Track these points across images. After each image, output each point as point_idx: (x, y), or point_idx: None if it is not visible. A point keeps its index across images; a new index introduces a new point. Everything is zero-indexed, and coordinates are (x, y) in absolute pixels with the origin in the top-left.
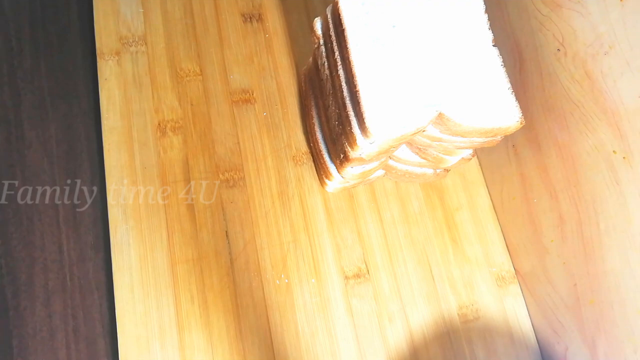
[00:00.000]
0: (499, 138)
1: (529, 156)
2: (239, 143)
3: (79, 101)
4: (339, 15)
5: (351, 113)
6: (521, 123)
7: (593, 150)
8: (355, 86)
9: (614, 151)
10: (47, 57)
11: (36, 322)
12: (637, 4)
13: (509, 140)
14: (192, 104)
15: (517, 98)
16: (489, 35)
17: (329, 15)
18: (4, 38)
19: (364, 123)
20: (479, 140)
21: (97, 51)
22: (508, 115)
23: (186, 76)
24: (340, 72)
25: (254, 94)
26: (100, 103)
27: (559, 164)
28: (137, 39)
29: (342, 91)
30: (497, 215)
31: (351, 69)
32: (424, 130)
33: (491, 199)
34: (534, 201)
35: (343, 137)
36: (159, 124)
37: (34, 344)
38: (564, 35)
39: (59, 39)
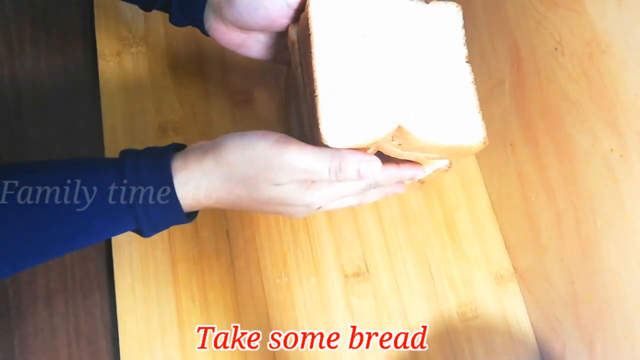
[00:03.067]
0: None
1: (527, 155)
2: None
3: (79, 102)
4: (308, 19)
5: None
6: (484, 143)
7: (590, 149)
8: (314, 91)
9: (611, 149)
10: (48, 58)
11: (37, 322)
12: (635, 2)
13: (507, 139)
14: (192, 104)
15: (515, 97)
16: (463, 52)
17: (301, 20)
18: (5, 39)
19: (319, 130)
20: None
21: (98, 52)
22: (472, 133)
23: (187, 76)
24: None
25: (254, 94)
26: (101, 104)
27: (557, 162)
28: (137, 40)
29: (311, 98)
30: (495, 214)
31: (312, 74)
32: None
33: (489, 198)
34: (531, 199)
35: (313, 143)
36: (160, 125)
37: (36, 343)
38: (561, 34)
39: (60, 39)
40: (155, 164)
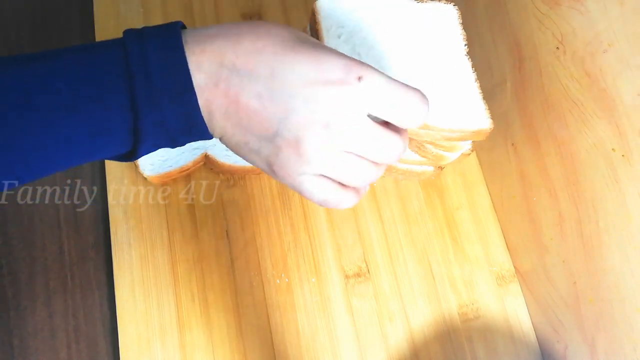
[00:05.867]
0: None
1: (529, 154)
2: None
3: None
4: (316, 23)
5: None
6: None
7: (592, 148)
8: None
9: (613, 149)
10: None
11: (37, 322)
12: (637, 2)
13: (509, 139)
14: None
15: (517, 96)
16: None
17: (307, 28)
18: (4, 38)
19: None
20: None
21: None
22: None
23: None
24: None
25: None
26: None
27: (559, 162)
28: None
29: None
30: (497, 214)
31: None
32: None
33: (491, 198)
34: (533, 199)
35: None
36: None
37: (35, 343)
38: (563, 33)
39: (59, 39)
40: (164, 40)
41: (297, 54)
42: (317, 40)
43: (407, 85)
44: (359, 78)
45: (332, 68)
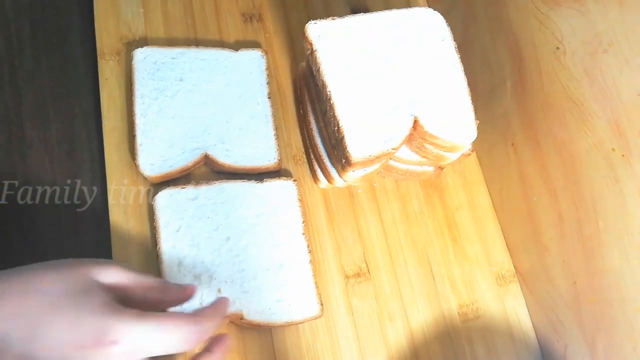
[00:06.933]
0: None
1: (529, 155)
2: None
3: (79, 101)
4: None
5: None
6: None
7: (592, 148)
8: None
9: (612, 149)
10: (47, 57)
11: None
12: (636, 2)
13: (509, 139)
14: None
15: (517, 97)
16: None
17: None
18: (4, 38)
19: (345, 146)
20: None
21: (98, 51)
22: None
23: None
24: None
25: None
26: (101, 103)
27: (558, 163)
28: (137, 39)
29: (332, 113)
30: (496, 214)
31: (330, 99)
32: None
33: (491, 198)
34: (533, 200)
35: (344, 141)
36: None
37: None
38: (563, 33)
39: (59, 39)
40: None
41: (58, 315)
42: (95, 293)
43: (177, 320)
44: (113, 342)
45: (86, 330)
